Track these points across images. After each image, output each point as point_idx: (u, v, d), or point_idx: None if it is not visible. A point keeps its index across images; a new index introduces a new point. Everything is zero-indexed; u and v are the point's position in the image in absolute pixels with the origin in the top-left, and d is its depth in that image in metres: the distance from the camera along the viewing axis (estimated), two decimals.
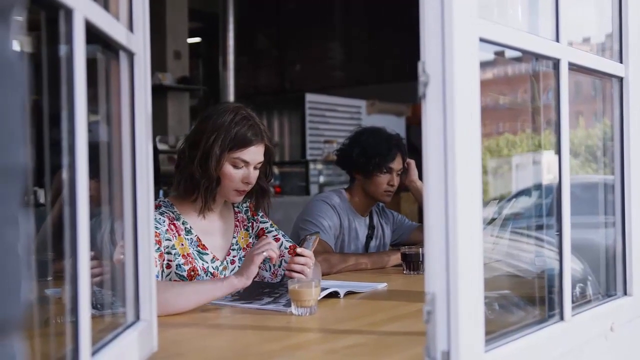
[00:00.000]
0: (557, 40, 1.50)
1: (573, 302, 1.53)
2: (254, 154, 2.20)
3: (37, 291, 1.20)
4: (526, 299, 1.71)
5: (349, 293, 2.16)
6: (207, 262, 2.21)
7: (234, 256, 2.32)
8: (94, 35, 1.10)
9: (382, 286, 2.33)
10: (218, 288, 1.95)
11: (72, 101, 1.00)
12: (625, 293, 1.79)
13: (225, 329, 1.77)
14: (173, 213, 2.21)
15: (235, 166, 2.18)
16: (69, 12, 0.98)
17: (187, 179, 2.19)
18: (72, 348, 1.00)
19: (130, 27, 1.34)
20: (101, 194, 1.35)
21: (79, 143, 1.00)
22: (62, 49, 1.01)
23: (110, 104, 1.34)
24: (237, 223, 2.37)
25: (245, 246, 2.36)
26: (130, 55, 1.34)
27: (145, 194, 1.37)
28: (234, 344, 1.64)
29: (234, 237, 2.34)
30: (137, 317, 1.36)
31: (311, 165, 7.36)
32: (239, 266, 2.29)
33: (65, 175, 1.00)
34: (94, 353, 1.07)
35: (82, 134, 1.00)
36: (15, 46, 0.61)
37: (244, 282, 1.96)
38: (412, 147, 5.76)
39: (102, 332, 1.23)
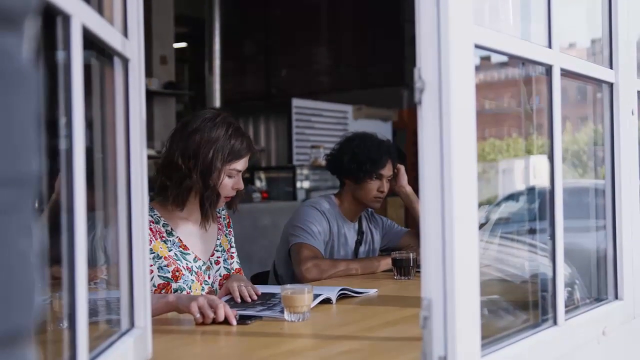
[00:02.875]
0: (550, 46, 1.52)
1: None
2: (245, 162, 2.30)
3: None
4: (518, 304, 1.72)
5: (342, 296, 2.17)
6: (190, 262, 2.26)
7: (218, 257, 2.38)
8: (88, 40, 1.09)
9: (373, 292, 2.34)
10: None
11: (69, 107, 0.99)
12: (616, 297, 1.80)
13: (219, 336, 1.76)
14: (152, 216, 2.25)
15: (230, 176, 2.27)
16: (66, 18, 0.98)
17: (185, 192, 2.24)
18: (70, 355, 0.99)
19: (125, 33, 1.33)
20: (94, 200, 1.34)
21: (76, 149, 0.99)
22: (59, 55, 1.00)
23: (105, 109, 1.34)
24: (220, 227, 2.44)
25: (227, 250, 2.43)
26: (125, 61, 1.33)
27: (139, 200, 1.37)
28: (228, 350, 1.64)
29: (218, 239, 2.40)
30: (132, 324, 1.36)
31: (298, 171, 7.33)
32: (224, 267, 2.37)
33: (62, 181, 0.99)
34: None
35: (79, 140, 1.00)
36: (28, 55, 0.60)
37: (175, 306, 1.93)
38: (399, 152, 5.77)
39: (97, 340, 1.23)
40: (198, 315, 1.81)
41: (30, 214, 0.58)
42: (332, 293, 2.13)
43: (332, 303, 2.10)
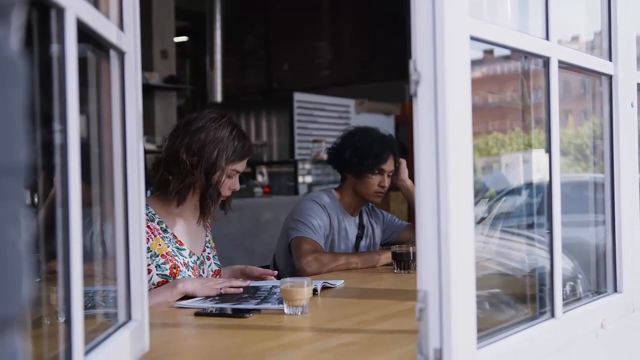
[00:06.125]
0: (547, 38, 1.51)
1: (563, 299, 1.54)
2: (244, 164, 2.35)
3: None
4: (517, 297, 1.72)
5: (324, 288, 2.22)
6: (185, 257, 2.29)
7: (208, 253, 2.43)
8: (84, 34, 1.09)
9: (339, 283, 2.36)
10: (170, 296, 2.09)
11: (64, 101, 0.99)
12: (615, 290, 1.80)
13: (217, 329, 1.76)
14: (147, 214, 2.26)
15: (229, 176, 2.30)
16: (60, 11, 0.98)
17: (187, 188, 2.26)
18: (65, 348, 0.99)
19: (121, 26, 1.33)
20: (91, 195, 1.34)
21: (71, 143, 0.99)
22: (54, 48, 1.00)
23: (101, 103, 1.34)
24: (207, 224, 2.47)
25: (213, 247, 2.48)
26: (121, 54, 1.33)
27: (136, 194, 1.37)
28: (225, 343, 1.64)
29: (207, 236, 2.45)
30: (129, 317, 1.36)
31: (300, 165, 7.33)
32: (214, 262, 2.43)
33: (57, 176, 0.99)
34: (86, 353, 1.07)
35: (74, 135, 1.00)
36: (16, 45, 0.61)
37: (187, 288, 2.10)
38: (401, 146, 5.77)
39: (94, 332, 1.23)
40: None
41: (18, 203, 0.58)
42: (317, 285, 2.16)
43: (317, 294, 2.11)
